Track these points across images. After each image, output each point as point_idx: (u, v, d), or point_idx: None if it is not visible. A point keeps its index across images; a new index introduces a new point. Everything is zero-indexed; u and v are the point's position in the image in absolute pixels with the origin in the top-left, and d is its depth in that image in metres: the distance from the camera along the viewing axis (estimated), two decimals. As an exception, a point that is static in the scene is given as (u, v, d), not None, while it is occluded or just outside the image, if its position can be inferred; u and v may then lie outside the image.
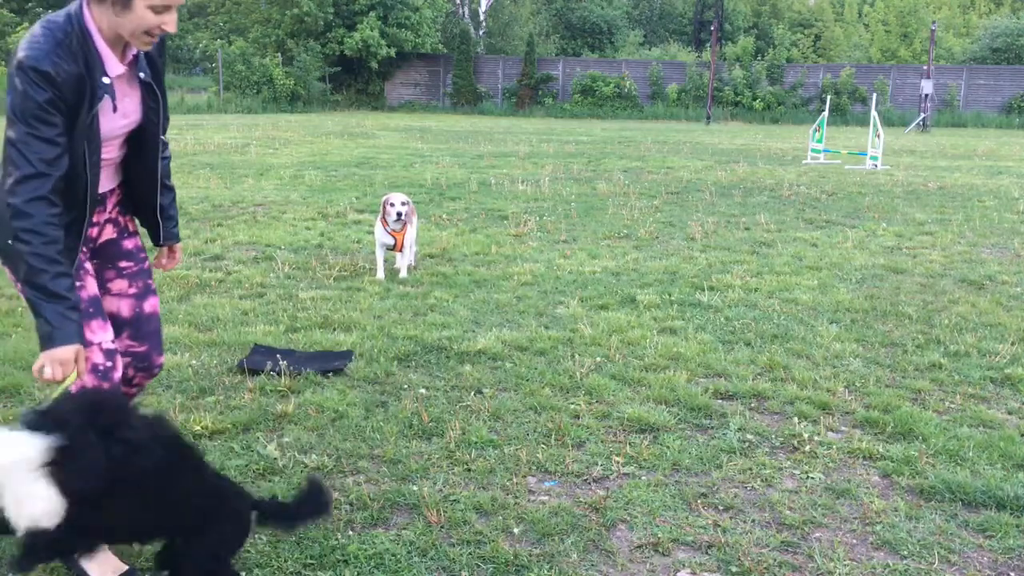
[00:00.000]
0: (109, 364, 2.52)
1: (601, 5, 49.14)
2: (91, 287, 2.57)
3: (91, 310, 2.52)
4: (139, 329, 2.74)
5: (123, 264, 2.72)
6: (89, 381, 2.47)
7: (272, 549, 2.64)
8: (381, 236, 6.10)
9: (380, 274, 6.08)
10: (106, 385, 2.51)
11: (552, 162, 14.55)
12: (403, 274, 6.10)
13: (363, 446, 3.38)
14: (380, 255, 6.14)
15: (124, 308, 2.72)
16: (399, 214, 5.92)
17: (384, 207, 6.03)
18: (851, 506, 3.01)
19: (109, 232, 2.70)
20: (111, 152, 2.55)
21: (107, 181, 2.62)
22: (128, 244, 2.74)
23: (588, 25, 48.24)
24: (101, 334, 2.53)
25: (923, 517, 2.93)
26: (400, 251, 6.12)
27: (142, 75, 2.51)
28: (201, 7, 43.80)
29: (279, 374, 4.04)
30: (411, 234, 6.16)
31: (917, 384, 4.17)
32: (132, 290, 2.73)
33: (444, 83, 36.93)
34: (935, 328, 5.09)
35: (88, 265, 2.60)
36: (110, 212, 2.70)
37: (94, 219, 2.62)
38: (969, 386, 4.18)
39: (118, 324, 2.70)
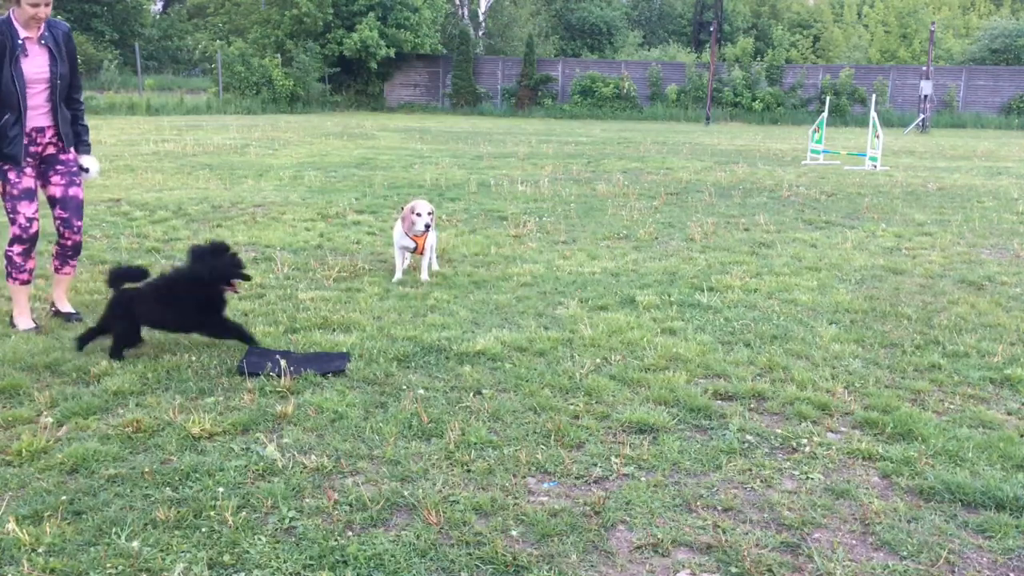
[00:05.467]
0: (29, 223, 4.70)
1: (600, 6, 49.16)
2: (27, 182, 4.67)
3: (25, 194, 4.65)
4: (65, 204, 4.86)
5: (59, 167, 4.84)
6: (17, 232, 4.67)
7: (272, 549, 2.65)
8: (401, 240, 6.05)
9: (399, 275, 6.09)
10: (30, 234, 4.71)
11: (551, 163, 14.55)
12: (424, 276, 6.09)
13: (362, 447, 3.38)
14: (399, 256, 6.14)
15: (58, 191, 4.85)
16: (427, 226, 5.89)
17: (410, 215, 5.95)
18: (851, 507, 3.01)
19: (51, 150, 4.82)
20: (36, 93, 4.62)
21: (42, 118, 4.70)
22: (63, 156, 4.85)
23: (587, 26, 48.26)
24: (27, 209, 4.68)
25: (923, 518, 2.93)
26: (421, 254, 6.11)
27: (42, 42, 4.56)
28: (200, 8, 43.79)
29: (279, 375, 4.04)
30: (432, 238, 6.13)
31: (916, 385, 4.17)
32: (63, 181, 4.84)
33: (443, 84, 36.94)
34: (934, 329, 5.09)
35: (29, 169, 4.70)
36: (50, 138, 4.77)
37: (39, 141, 4.71)
38: (968, 387, 4.18)
39: (55, 201, 4.84)
